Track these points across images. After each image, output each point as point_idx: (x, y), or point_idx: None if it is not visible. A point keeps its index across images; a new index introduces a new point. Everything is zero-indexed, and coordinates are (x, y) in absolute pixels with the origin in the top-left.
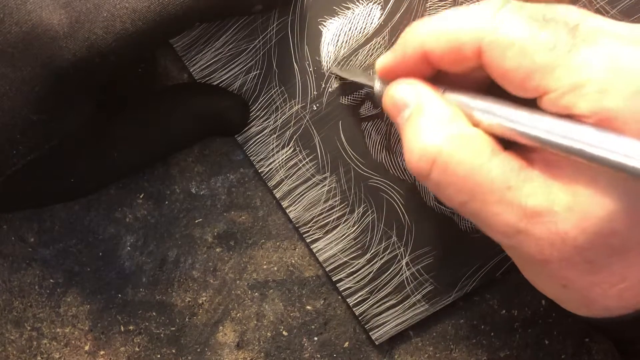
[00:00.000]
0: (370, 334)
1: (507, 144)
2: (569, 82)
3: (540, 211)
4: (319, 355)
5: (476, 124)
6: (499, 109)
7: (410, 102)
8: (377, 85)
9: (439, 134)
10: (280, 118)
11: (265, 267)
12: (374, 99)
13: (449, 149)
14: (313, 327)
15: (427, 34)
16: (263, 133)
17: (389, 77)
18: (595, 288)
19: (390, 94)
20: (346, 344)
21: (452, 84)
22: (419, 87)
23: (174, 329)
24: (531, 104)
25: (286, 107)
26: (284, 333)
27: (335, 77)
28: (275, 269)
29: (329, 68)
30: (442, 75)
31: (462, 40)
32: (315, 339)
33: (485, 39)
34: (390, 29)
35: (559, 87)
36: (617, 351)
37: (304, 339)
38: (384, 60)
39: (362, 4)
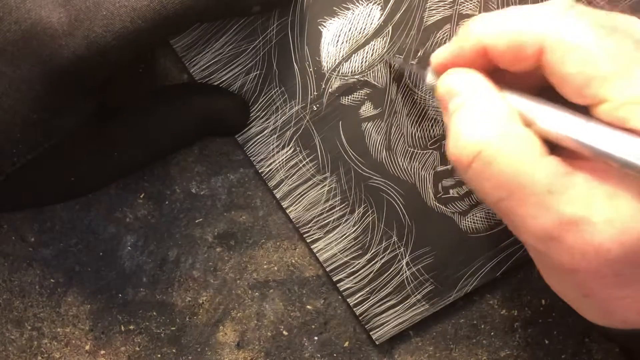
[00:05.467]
0: (370, 333)
1: (553, 147)
2: (628, 95)
3: (578, 220)
4: (319, 355)
5: (528, 124)
6: (554, 112)
7: (465, 90)
8: (429, 77)
9: (490, 126)
10: (280, 118)
11: (265, 266)
12: (421, 91)
13: (498, 145)
14: (313, 326)
15: (489, 29)
16: (263, 133)
17: (443, 71)
18: (618, 301)
19: (446, 80)
20: (346, 344)
21: (507, 83)
22: (476, 78)
23: (174, 328)
24: (582, 111)
25: (286, 108)
26: (284, 333)
27: (385, 65)
28: (276, 268)
29: (388, 57)
30: (497, 74)
31: (524, 38)
32: (316, 338)
33: (548, 40)
34: (391, 29)
35: (617, 98)
36: (624, 356)
37: (304, 339)
38: (440, 53)
39: (362, 4)
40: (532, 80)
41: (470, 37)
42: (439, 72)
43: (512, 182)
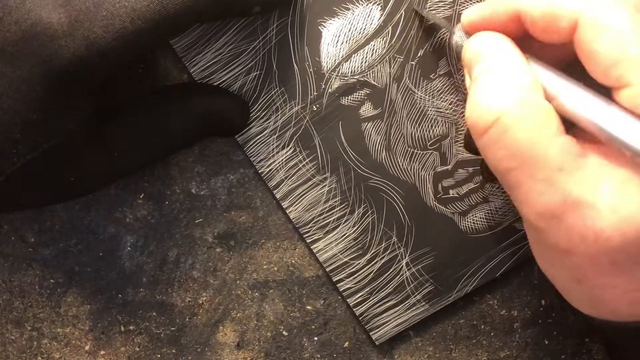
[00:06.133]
0: (370, 334)
1: (569, 126)
2: None
3: (583, 202)
4: (319, 355)
5: (549, 99)
6: (576, 90)
7: (491, 55)
8: (457, 35)
9: (512, 94)
10: (280, 119)
11: (265, 267)
12: (450, 51)
13: (517, 114)
14: (313, 327)
15: None
16: (263, 134)
17: (472, 31)
18: (610, 290)
19: (474, 42)
20: (346, 344)
21: (535, 53)
22: (505, 44)
23: (174, 329)
24: (605, 94)
25: (286, 108)
26: (284, 333)
27: (415, 15)
28: (276, 269)
29: (415, 3)
30: (525, 43)
31: (561, 9)
32: (315, 339)
33: (583, 17)
34: (391, 29)
35: None
36: (607, 352)
37: (304, 339)
38: (471, 13)
39: (362, 4)
40: (561, 54)
41: (506, 0)
42: (468, 33)
43: (524, 154)
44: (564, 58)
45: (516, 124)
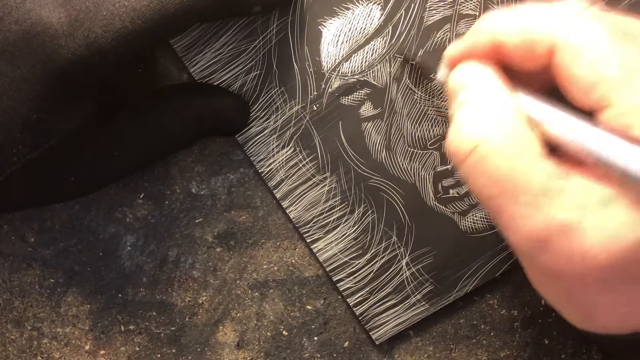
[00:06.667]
0: (370, 334)
1: (554, 147)
2: (634, 102)
3: (568, 224)
4: (319, 355)
5: (534, 125)
6: (559, 114)
7: (474, 84)
8: (441, 72)
9: (491, 122)
10: (280, 118)
11: (265, 266)
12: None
13: (496, 141)
14: (313, 326)
15: (502, 25)
16: (263, 133)
17: (455, 65)
18: (600, 307)
19: (458, 73)
20: (346, 344)
21: (519, 82)
22: (487, 72)
23: (174, 328)
24: (587, 117)
25: (286, 108)
26: (284, 333)
27: (401, 61)
28: (276, 268)
29: (405, 55)
30: (509, 72)
31: (536, 36)
32: (315, 338)
33: (559, 40)
34: (391, 29)
35: (622, 104)
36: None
37: (304, 339)
38: (454, 48)
39: (362, 4)
40: (542, 81)
41: (484, 31)
42: (451, 66)
43: (505, 180)
44: (548, 84)
45: (495, 151)
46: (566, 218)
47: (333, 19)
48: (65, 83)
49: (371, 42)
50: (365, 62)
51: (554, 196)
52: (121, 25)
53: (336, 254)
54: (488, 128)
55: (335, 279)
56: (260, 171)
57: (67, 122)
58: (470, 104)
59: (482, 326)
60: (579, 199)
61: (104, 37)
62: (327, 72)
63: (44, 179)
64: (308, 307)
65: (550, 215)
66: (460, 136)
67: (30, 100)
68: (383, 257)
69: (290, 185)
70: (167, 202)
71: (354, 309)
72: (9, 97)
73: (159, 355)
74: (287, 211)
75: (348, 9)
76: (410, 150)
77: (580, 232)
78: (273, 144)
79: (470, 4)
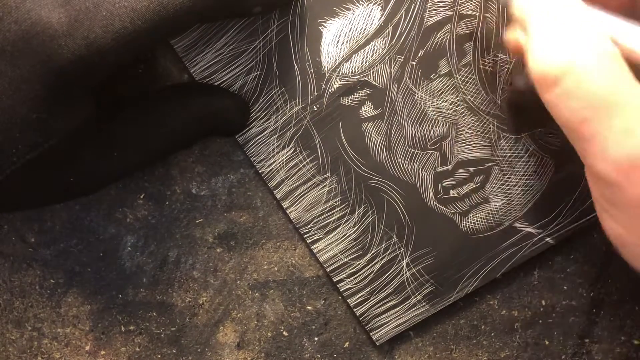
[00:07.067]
0: (370, 334)
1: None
2: None
3: None
4: (319, 356)
5: (615, 43)
6: None
7: (553, 3)
8: None
9: (581, 43)
10: (280, 119)
11: (265, 267)
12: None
13: (591, 62)
14: (313, 327)
15: None
16: (263, 134)
17: None
18: None
19: None
20: (346, 344)
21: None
22: None
23: (174, 329)
24: None
25: (287, 108)
26: (285, 333)
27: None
28: (276, 269)
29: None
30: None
31: None
32: (316, 339)
33: None
34: (391, 29)
35: None
36: None
37: (305, 339)
38: None
39: (363, 4)
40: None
41: None
42: None
43: (602, 104)
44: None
45: (593, 73)
46: None
47: (333, 19)
48: (65, 83)
49: (371, 43)
50: (366, 62)
51: None
52: (121, 26)
53: (336, 254)
54: (579, 49)
55: (335, 279)
56: (260, 171)
57: (67, 122)
58: (553, 23)
59: (483, 326)
60: None
61: (103, 37)
62: (327, 72)
63: (44, 179)
64: (308, 307)
65: None
66: (549, 61)
67: (30, 100)
68: (383, 257)
69: (291, 185)
70: (167, 203)
71: (355, 310)
72: (8, 97)
73: (159, 356)
74: (288, 212)
75: (348, 9)
76: (410, 151)
77: None
78: (273, 144)
79: (471, 4)
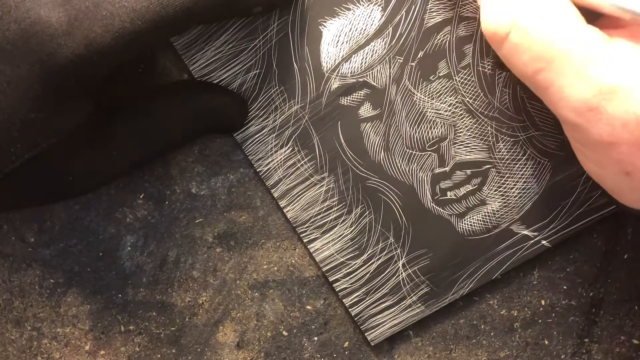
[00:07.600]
0: (366, 334)
1: (591, 17)
2: None
3: (619, 88)
4: (319, 355)
5: None
6: None
7: None
8: None
9: None
10: (279, 118)
11: (265, 267)
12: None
13: (534, 13)
14: (313, 327)
15: None
16: (262, 132)
17: None
18: None
19: None
20: (346, 344)
21: None
22: None
23: (174, 329)
24: None
25: (285, 107)
26: (284, 333)
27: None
28: (276, 269)
29: None
30: None
31: None
32: (315, 339)
33: None
34: (391, 30)
35: None
36: None
37: (304, 339)
38: None
39: (363, 4)
40: None
41: None
42: None
43: (550, 51)
44: None
45: (535, 23)
46: (615, 81)
47: (333, 19)
48: (64, 82)
49: (371, 43)
50: (365, 62)
51: (600, 61)
52: (121, 26)
53: (333, 254)
54: (521, 4)
55: (331, 279)
56: (258, 170)
57: (66, 121)
58: None
59: (482, 326)
60: (626, 62)
61: (103, 37)
62: (326, 72)
63: (44, 178)
64: (308, 307)
65: (599, 81)
66: (496, 16)
67: (29, 100)
68: (380, 258)
69: (288, 184)
70: (167, 203)
71: (350, 310)
72: (7, 96)
73: (159, 356)
74: (285, 211)
75: (349, 9)
76: (408, 152)
77: (632, 95)
78: (271, 143)
79: (471, 6)
